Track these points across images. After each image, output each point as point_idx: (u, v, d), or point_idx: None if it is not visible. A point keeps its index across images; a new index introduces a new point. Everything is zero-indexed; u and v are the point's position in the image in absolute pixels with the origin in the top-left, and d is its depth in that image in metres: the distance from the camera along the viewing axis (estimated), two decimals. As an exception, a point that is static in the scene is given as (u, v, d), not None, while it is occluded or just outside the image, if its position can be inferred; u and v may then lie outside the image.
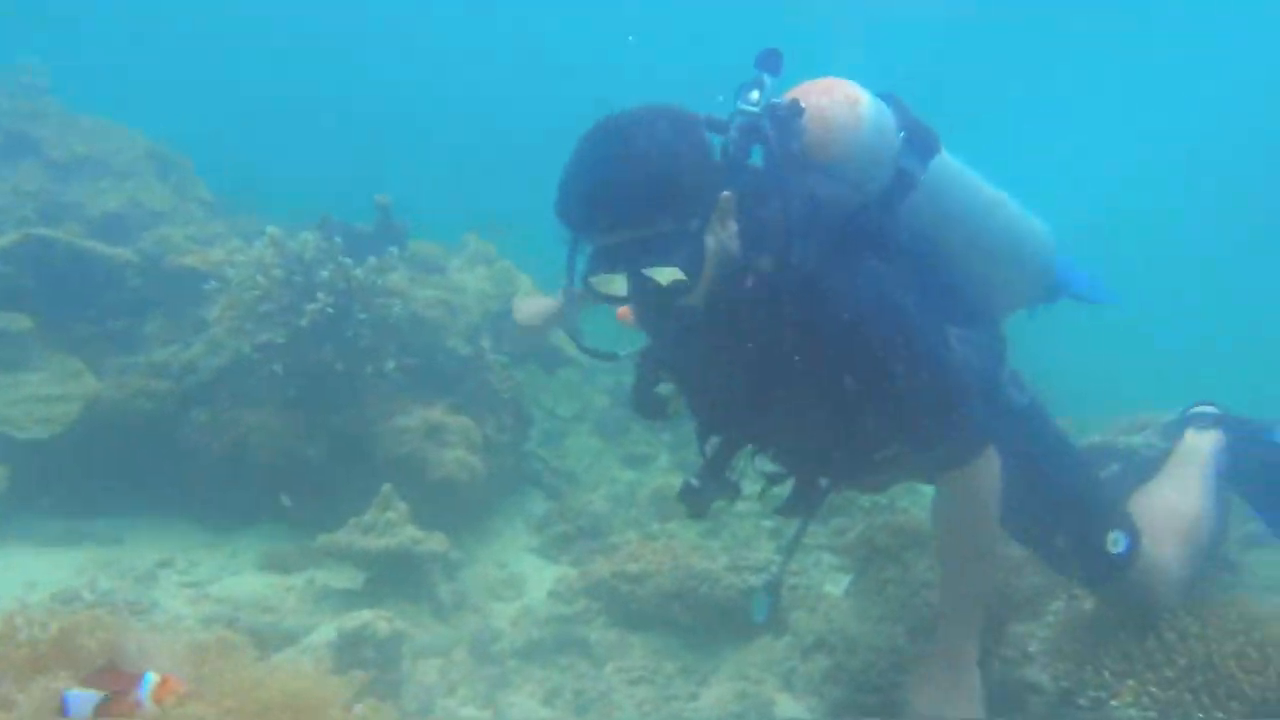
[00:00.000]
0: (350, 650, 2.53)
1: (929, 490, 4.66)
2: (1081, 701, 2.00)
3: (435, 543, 3.42)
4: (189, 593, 3.09)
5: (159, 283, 4.02)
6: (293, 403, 3.72)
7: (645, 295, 1.55)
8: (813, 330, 1.63)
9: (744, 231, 1.62)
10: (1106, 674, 1.95)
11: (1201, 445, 2.40)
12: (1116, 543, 1.97)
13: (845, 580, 3.42)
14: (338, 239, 3.68)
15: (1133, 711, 1.86)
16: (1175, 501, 2.23)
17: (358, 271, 3.65)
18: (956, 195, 1.95)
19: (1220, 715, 1.77)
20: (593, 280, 1.57)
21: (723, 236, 1.60)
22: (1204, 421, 2.46)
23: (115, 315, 3.90)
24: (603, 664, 3.06)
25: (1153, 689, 1.87)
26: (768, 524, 4.15)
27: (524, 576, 3.80)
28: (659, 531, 4.15)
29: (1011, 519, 1.89)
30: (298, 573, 3.36)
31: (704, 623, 3.15)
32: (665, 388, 1.90)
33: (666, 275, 1.52)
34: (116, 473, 3.51)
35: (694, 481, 1.95)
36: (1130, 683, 1.90)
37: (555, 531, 4.16)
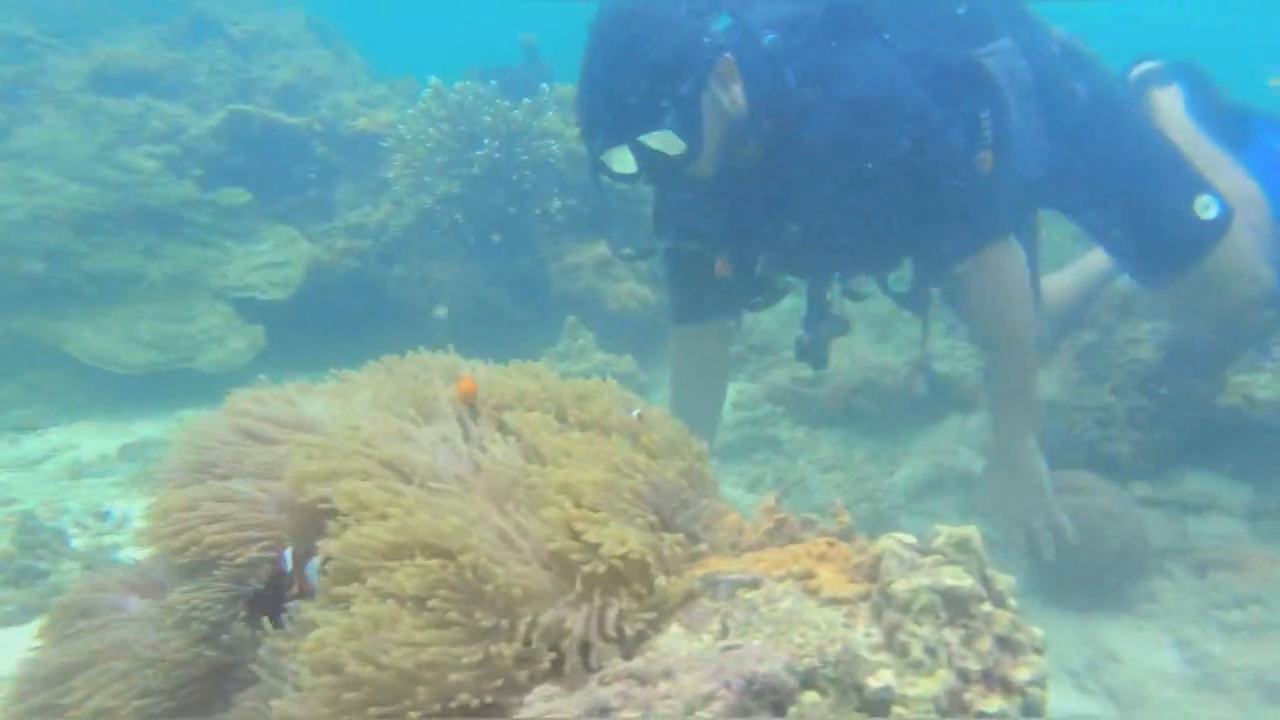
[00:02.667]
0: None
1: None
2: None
3: (625, 365, 3.69)
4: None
5: (339, 148, 4.33)
6: (476, 252, 3.99)
7: (653, 168, 1.60)
8: (844, 146, 1.65)
9: (748, 88, 1.64)
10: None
11: (1167, 102, 2.16)
12: (1208, 207, 1.85)
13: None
14: (493, 82, 3.77)
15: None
16: (1236, 180, 2.03)
17: (516, 113, 3.75)
18: None
19: None
20: (603, 158, 1.63)
21: (724, 98, 1.62)
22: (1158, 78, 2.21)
23: (309, 184, 4.26)
24: (795, 457, 3.26)
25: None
26: (940, 324, 4.11)
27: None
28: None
29: (1103, 205, 1.90)
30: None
31: (888, 411, 3.25)
32: (763, 267, 1.95)
33: (665, 142, 1.56)
34: (341, 326, 3.98)
35: (803, 334, 2.06)
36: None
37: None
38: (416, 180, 3.81)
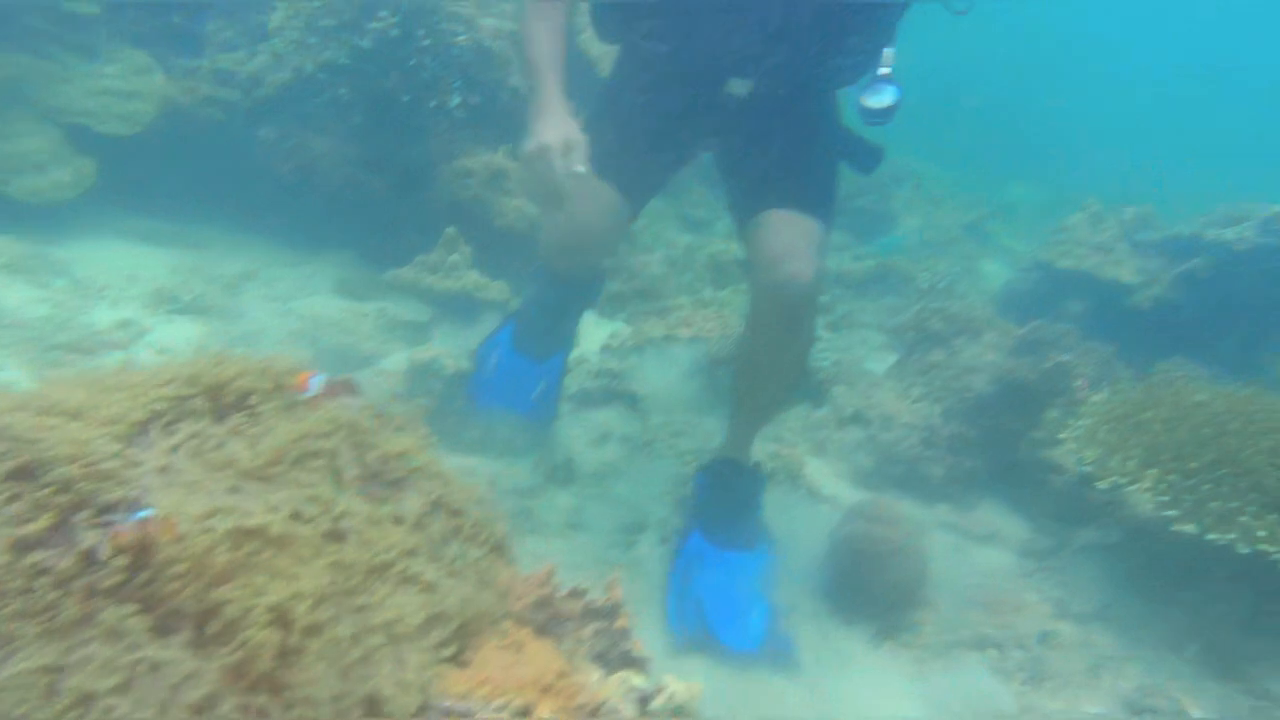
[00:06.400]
0: (420, 380, 2.74)
1: (991, 273, 4.64)
2: (1101, 486, 2.12)
3: (496, 291, 3.53)
4: (273, 306, 3.28)
5: (212, -20, 3.76)
6: (359, 131, 3.64)
7: None
8: None
9: None
10: (1132, 463, 2.05)
11: None
12: None
13: (889, 360, 3.52)
14: (402, -53, 3.33)
15: (1148, 496, 1.97)
16: None
17: (423, -11, 3.36)
18: None
19: (1236, 504, 1.88)
20: None
21: None
22: None
23: (173, 9, 3.70)
24: (648, 416, 3.28)
25: (1173, 478, 1.97)
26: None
27: (579, 330, 3.95)
28: (712, 299, 4.23)
29: None
30: (369, 301, 3.53)
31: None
32: None
33: None
34: (193, 180, 3.57)
35: None
36: (1153, 471, 2.01)
37: (610, 290, 4.25)
38: (300, 39, 3.37)
